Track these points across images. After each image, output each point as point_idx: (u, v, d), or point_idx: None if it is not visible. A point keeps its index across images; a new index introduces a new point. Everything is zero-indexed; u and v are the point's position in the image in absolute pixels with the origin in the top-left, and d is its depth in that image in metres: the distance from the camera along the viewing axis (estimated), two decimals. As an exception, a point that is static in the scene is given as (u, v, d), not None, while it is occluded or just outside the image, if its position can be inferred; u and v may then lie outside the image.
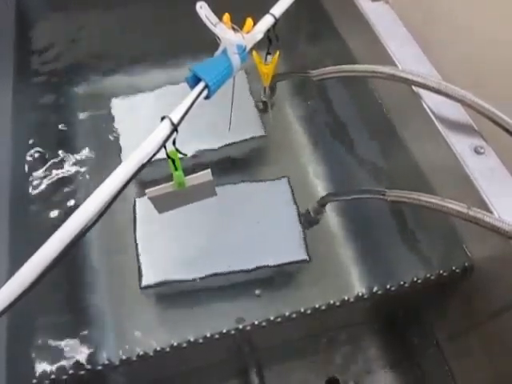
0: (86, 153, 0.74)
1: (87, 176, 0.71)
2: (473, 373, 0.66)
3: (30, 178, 0.70)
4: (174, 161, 0.44)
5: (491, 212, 0.52)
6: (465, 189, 0.56)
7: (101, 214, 0.35)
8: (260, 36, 0.44)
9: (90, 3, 0.86)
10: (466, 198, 0.52)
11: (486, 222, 0.49)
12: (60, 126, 0.77)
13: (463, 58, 0.68)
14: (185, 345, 0.55)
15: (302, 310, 0.58)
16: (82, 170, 0.72)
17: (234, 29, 0.42)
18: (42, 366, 0.54)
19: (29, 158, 0.72)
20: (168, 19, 0.86)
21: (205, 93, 0.40)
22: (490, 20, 0.64)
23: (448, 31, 0.71)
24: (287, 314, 0.57)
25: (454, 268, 0.60)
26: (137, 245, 0.61)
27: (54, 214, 0.67)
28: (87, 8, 0.85)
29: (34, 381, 0.52)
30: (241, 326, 0.56)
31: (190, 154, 0.68)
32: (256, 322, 0.56)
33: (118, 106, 0.74)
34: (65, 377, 0.53)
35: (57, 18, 0.86)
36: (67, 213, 0.34)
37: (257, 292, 0.61)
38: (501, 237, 0.48)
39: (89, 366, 0.54)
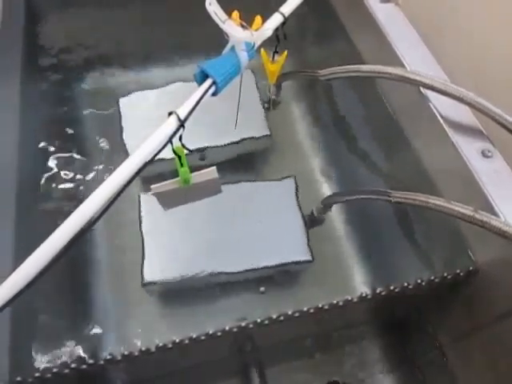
0: (92, 149, 0.74)
1: (93, 171, 0.72)
2: (475, 376, 0.66)
3: (37, 174, 0.70)
4: (180, 157, 0.44)
5: (497, 216, 0.52)
6: (471, 192, 0.56)
7: (105, 209, 0.35)
8: (269, 33, 0.44)
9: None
10: (473, 201, 0.52)
11: (492, 225, 0.48)
12: (67, 122, 0.77)
13: (472, 61, 0.68)
14: (187, 341, 0.55)
15: (305, 309, 0.58)
16: (89, 165, 0.72)
17: (242, 26, 0.42)
18: (44, 360, 0.54)
19: (35, 154, 0.72)
20: (178, 17, 0.86)
21: (212, 89, 0.40)
22: (502, 24, 0.64)
23: (458, 34, 0.71)
24: (290, 312, 0.57)
25: (458, 271, 0.60)
26: (142, 241, 0.61)
27: (59, 208, 0.67)
28: (97, 4, 0.86)
29: (37, 374, 0.52)
30: (243, 324, 0.56)
31: (195, 151, 0.68)
32: (258, 320, 0.56)
33: (125, 103, 0.74)
34: (67, 371, 0.53)
35: (66, 13, 0.86)
36: (72, 207, 0.34)
37: (261, 289, 0.61)
38: (506, 241, 0.48)
39: (91, 361, 0.54)
